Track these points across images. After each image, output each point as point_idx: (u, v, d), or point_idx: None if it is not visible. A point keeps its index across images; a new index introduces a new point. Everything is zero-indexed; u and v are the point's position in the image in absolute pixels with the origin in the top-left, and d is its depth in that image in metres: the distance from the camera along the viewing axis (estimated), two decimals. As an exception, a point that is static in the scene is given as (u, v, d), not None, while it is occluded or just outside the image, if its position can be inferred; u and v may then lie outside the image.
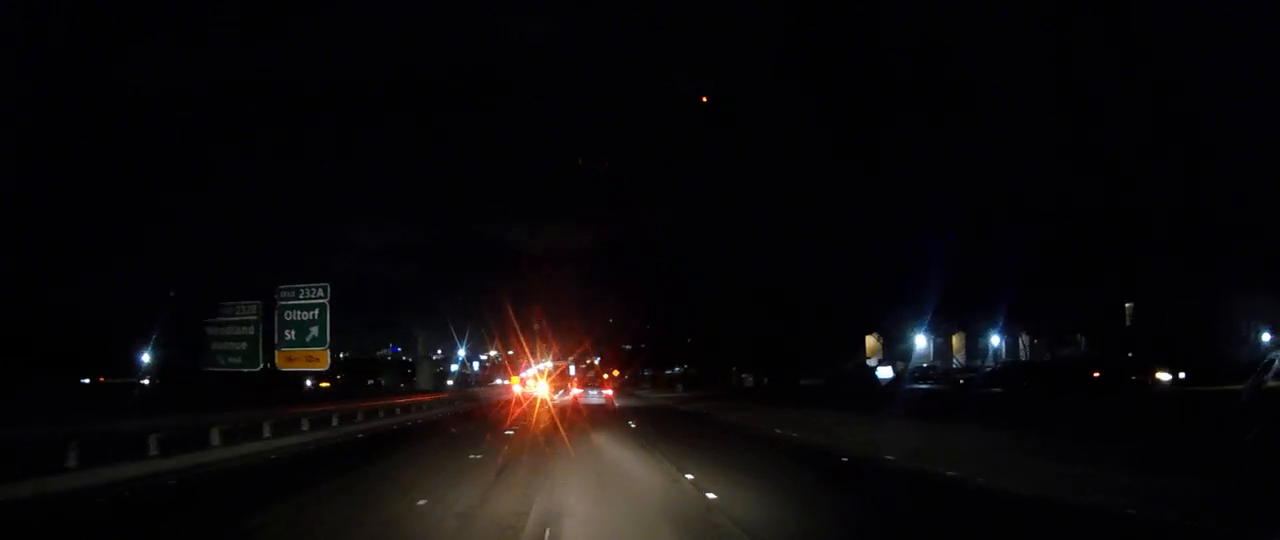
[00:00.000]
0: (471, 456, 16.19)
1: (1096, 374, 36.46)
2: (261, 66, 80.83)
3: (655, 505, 10.51)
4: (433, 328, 76.71)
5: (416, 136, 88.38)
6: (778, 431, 22.97)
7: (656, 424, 26.68)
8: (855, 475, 14.81)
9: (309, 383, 42.99)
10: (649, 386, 68.52)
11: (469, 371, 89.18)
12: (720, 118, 66.29)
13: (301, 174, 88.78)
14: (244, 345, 37.64)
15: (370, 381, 72.20)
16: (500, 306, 70.43)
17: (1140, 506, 9.49)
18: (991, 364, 53.55)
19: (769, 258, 55.22)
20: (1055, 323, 55.43)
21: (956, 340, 57.46)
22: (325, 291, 35.65)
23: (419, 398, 35.43)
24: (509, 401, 38.82)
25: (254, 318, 37.44)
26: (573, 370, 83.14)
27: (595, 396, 41.35)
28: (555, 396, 47.34)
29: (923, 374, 50.26)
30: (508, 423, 26.51)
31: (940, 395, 42.15)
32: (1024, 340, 57.94)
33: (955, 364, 55.28)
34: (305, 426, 20.14)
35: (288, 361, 36.58)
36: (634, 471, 14.45)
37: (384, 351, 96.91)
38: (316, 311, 35.79)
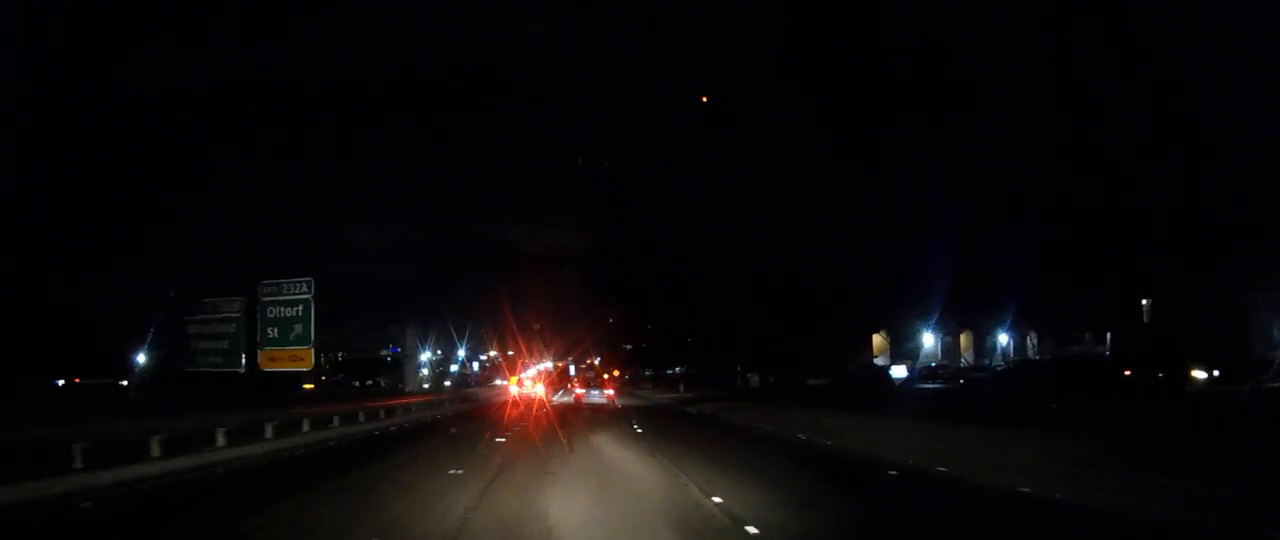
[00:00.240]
0: (452, 472, 13.12)
1: (1128, 373, 33.43)
2: (261, 66, 78.48)
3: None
4: (435, 328, 73.97)
5: (416, 136, 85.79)
6: (800, 436, 19.93)
7: (663, 427, 23.62)
8: (912, 494, 11.77)
9: (309, 384, 39.85)
10: (650, 386, 65.59)
11: (469, 372, 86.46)
12: (720, 118, 63.88)
13: (301, 174, 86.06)
14: (225, 344, 34.50)
15: (368, 382, 69.39)
16: (500, 307, 67.85)
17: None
18: (1001, 363, 51.19)
19: (771, 257, 52.80)
20: (1063, 321, 53.50)
21: (964, 339, 54.74)
22: (309, 287, 32.49)
23: (409, 399, 32.18)
24: (506, 403, 35.64)
25: (236, 315, 34.30)
26: (573, 370, 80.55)
27: (597, 396, 39.89)
28: (555, 397, 44.24)
29: (930, 373, 47.39)
30: (502, 426, 23.39)
31: (952, 395, 39.20)
32: (1032, 338, 55.79)
33: (963, 363, 52.51)
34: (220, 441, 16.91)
35: (270, 361, 33.41)
36: (647, 491, 11.39)
37: (384, 352, 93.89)
38: (300, 308, 32.63)
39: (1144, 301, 46.31)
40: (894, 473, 13.51)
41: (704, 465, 13.96)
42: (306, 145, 78.41)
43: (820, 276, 49.08)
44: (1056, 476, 11.48)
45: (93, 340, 42.31)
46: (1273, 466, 11.76)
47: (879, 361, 51.67)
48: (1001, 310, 51.28)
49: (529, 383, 49.09)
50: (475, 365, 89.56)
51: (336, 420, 21.86)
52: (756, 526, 8.33)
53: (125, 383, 39.60)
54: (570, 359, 77.74)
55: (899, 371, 43.87)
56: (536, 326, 68.46)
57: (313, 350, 32.40)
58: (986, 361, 53.45)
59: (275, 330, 33.03)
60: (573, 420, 26.16)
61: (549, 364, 77.44)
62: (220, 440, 17.03)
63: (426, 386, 60.04)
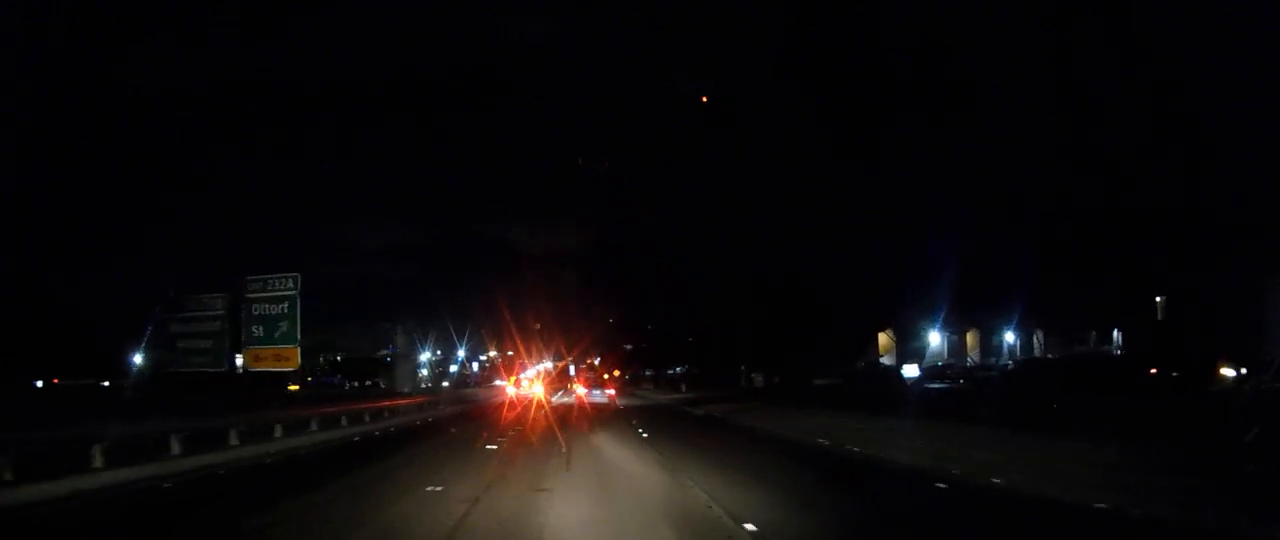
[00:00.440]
0: (430, 488, 10.74)
1: (1153, 371, 31.10)
2: (261, 66, 76.46)
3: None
4: (434, 329, 71.75)
5: (416, 136, 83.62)
6: (822, 441, 17.57)
7: (669, 431, 21.24)
8: (981, 515, 9.39)
9: (294, 385, 37.30)
10: (651, 386, 63.21)
11: (469, 372, 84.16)
12: (720, 118, 61.95)
13: (301, 174, 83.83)
14: (209, 343, 32.15)
15: (367, 383, 67.12)
16: (500, 307, 65.74)
17: None
18: (1008, 362, 49.09)
19: (773, 257, 50.77)
20: (1068, 320, 51.78)
21: (971, 337, 52.51)
22: (295, 283, 30.14)
23: (402, 401, 29.68)
24: (503, 404, 33.16)
25: (220, 312, 31.96)
26: (573, 370, 78.27)
27: (599, 396, 39.06)
28: (554, 397, 41.84)
29: (937, 372, 45.09)
30: (497, 430, 20.97)
31: (964, 395, 36.75)
32: (1038, 337, 54.01)
33: (969, 362, 50.27)
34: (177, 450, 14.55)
35: (255, 360, 31.06)
36: (661, 506, 8.98)
37: (383, 352, 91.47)
38: (286, 305, 30.27)
39: (1157, 299, 44.17)
40: (943, 486, 11.24)
41: (723, 476, 11.64)
42: (306, 145, 76.24)
43: (825, 276, 47.15)
44: (1129, 488, 9.45)
45: (75, 341, 39.89)
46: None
47: (885, 361, 49.38)
48: (1007, 309, 49.56)
49: (527, 383, 46.49)
50: (475, 366, 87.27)
51: (315, 424, 19.48)
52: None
53: (107, 383, 37.08)
54: (570, 359, 75.55)
55: (911, 371, 41.49)
56: (537, 326, 66.26)
57: (298, 349, 30.04)
58: (993, 360, 51.53)
59: (260, 328, 30.68)
60: (572, 422, 23.78)
61: (549, 364, 75.27)
62: (175, 448, 14.72)
63: (426, 386, 57.63)
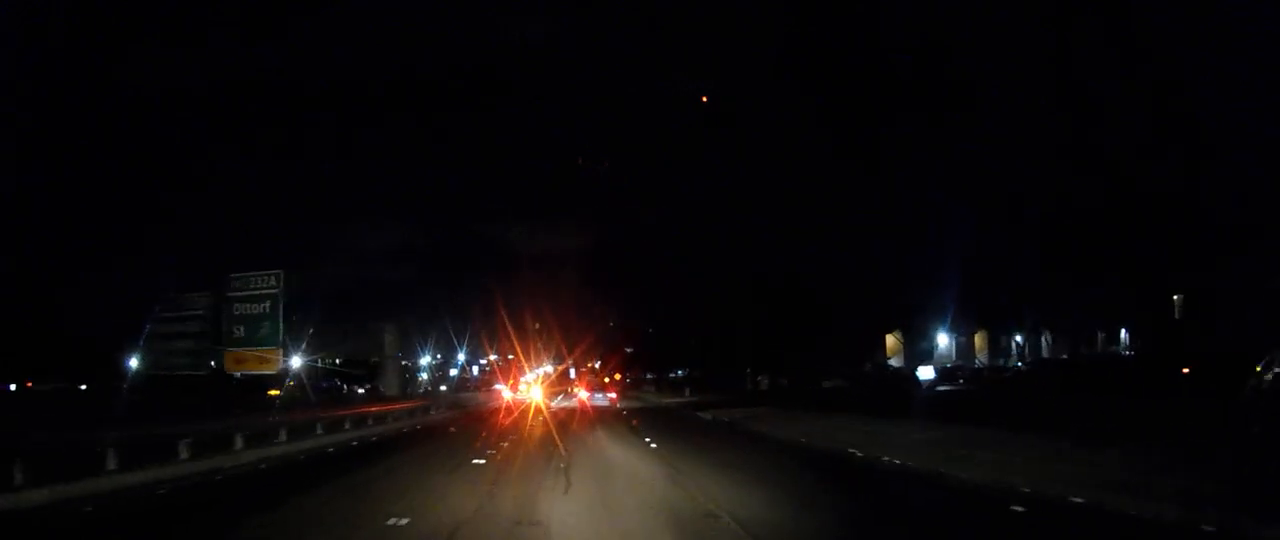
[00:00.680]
0: (392, 521, 8.17)
1: (1186, 370, 28.55)
2: (261, 66, 74.12)
3: None
4: (434, 331, 69.18)
5: (416, 136, 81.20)
6: (856, 452, 15.00)
7: (681, 440, 18.63)
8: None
9: (275, 390, 34.54)
10: (652, 389, 60.53)
11: (468, 375, 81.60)
12: (720, 118, 59.80)
13: (301, 174, 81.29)
14: (190, 344, 29.55)
15: (366, 387, 64.50)
16: (500, 310, 63.40)
17: None
18: (1019, 363, 46.62)
19: (777, 258, 48.31)
20: (1076, 319, 49.65)
21: (979, 339, 49.97)
22: (278, 280, 27.57)
23: (392, 406, 26.96)
24: (499, 409, 30.53)
25: (200, 312, 29.35)
26: (573, 373, 75.65)
27: (600, 399, 38.39)
28: (553, 401, 39.21)
29: (947, 374, 42.61)
30: (492, 439, 18.38)
31: (978, 398, 34.17)
32: (1047, 338, 51.62)
33: (978, 363, 47.76)
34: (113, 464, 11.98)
35: (236, 363, 28.47)
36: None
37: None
38: (268, 304, 27.70)
39: (1175, 297, 41.83)
40: (1021, 509, 8.78)
41: (756, 498, 9.15)
42: (306, 145, 73.78)
43: (829, 277, 44.75)
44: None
45: (56, 344, 37.30)
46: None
47: (893, 362, 46.84)
48: (1015, 310, 47.45)
49: (524, 387, 43.75)
50: (475, 369, 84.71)
51: (284, 434, 16.89)
52: None
53: (84, 387, 34.42)
54: (570, 362, 73.00)
55: (926, 373, 38.91)
56: (537, 327, 63.71)
57: (280, 350, 27.45)
58: (1001, 361, 49.16)
59: (242, 329, 28.09)
60: (573, 429, 21.19)
61: (549, 367, 72.79)
62: (112, 464, 12.19)
63: (424, 390, 54.90)
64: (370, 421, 21.47)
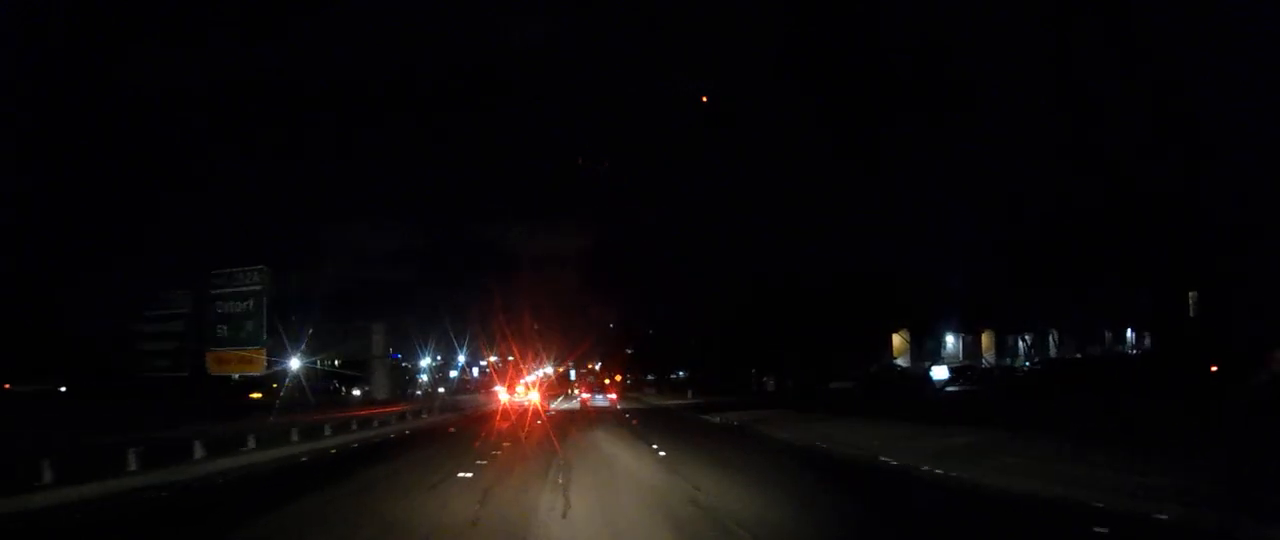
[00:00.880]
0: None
1: (1214, 368, 26.68)
2: (261, 66, 72.20)
3: None
4: (436, 334, 67.23)
5: (416, 137, 79.26)
6: (887, 460, 13.02)
7: (692, 447, 16.59)
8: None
9: (257, 393, 32.29)
10: (654, 391, 58.44)
11: (469, 377, 79.66)
12: (720, 118, 58.13)
13: (302, 174, 79.28)
14: (172, 345, 27.48)
15: (366, 388, 62.47)
16: (501, 312, 61.60)
17: None
18: (1027, 363, 44.80)
19: (780, 257, 46.56)
20: (1085, 318, 48.14)
21: (986, 338, 48.02)
22: (262, 276, 25.51)
23: (383, 409, 24.81)
24: (496, 413, 28.45)
25: (184, 311, 27.29)
26: (573, 375, 73.68)
27: (600, 400, 37.84)
28: (553, 403, 37.14)
29: (956, 374, 40.68)
30: (486, 446, 16.36)
31: (988, 398, 32.13)
32: (1053, 337, 50.05)
33: (985, 362, 45.82)
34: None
35: (219, 364, 26.40)
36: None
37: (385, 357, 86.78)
38: (252, 302, 25.64)
39: (1190, 294, 40.10)
40: (1104, 531, 7.34)
41: (781, 512, 7.20)
42: (306, 145, 71.84)
43: (835, 276, 42.97)
44: None
45: (37, 344, 35.26)
46: None
47: (900, 362, 44.81)
48: (1024, 309, 45.72)
49: (522, 390, 41.48)
50: (475, 371, 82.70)
51: (252, 442, 14.86)
52: None
53: (64, 389, 32.28)
54: (570, 363, 71.07)
55: (940, 372, 36.85)
56: (536, 328, 61.80)
57: (264, 351, 25.40)
58: (1008, 361, 47.37)
59: (225, 328, 26.03)
60: (573, 435, 19.16)
61: (548, 369, 70.91)
62: (47, 477, 10.24)
63: (421, 392, 52.80)
64: (354, 426, 19.40)
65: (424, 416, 25.45)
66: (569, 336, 66.47)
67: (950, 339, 46.52)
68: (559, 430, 20.17)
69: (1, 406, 28.89)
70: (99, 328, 32.82)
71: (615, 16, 72.51)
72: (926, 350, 45.82)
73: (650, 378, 66.51)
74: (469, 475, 11.41)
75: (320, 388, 54.45)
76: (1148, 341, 50.32)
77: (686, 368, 62.22)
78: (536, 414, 26.06)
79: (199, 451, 13.33)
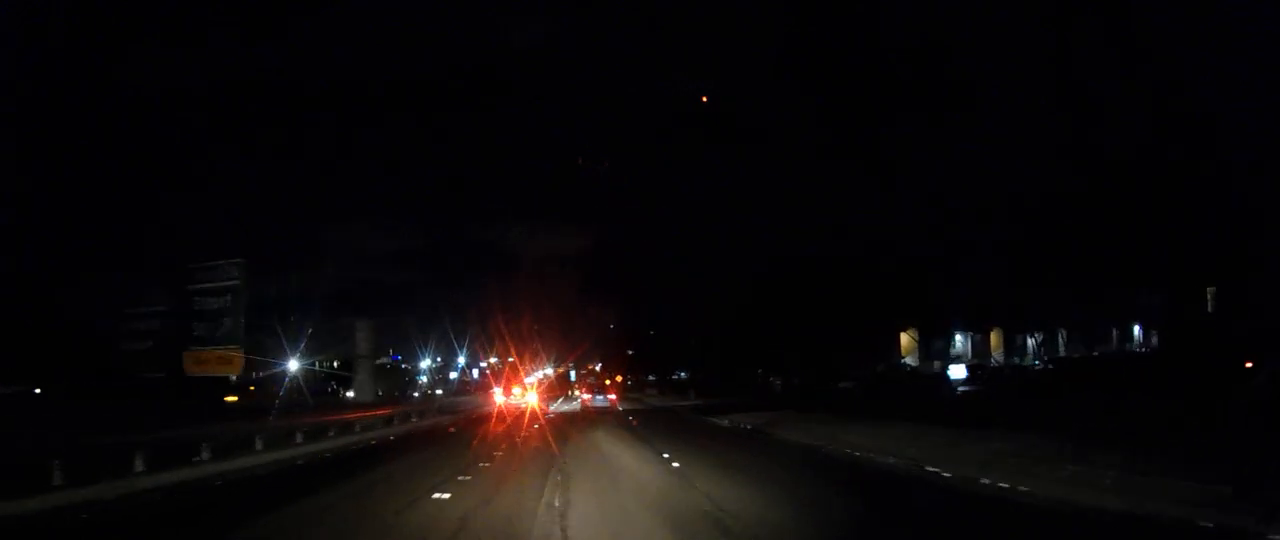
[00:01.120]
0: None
1: (1249, 364, 24.58)
2: (261, 66, 70.10)
3: None
4: (434, 335, 65.11)
5: (416, 137, 77.09)
6: (938, 472, 10.87)
7: (703, 454, 14.42)
8: None
9: (232, 396, 29.76)
10: (655, 392, 56.28)
11: (469, 378, 77.57)
12: (720, 117, 56.37)
13: (301, 174, 77.03)
14: (149, 344, 25.26)
15: (350, 393, 60.34)
16: (500, 312, 59.57)
17: None
18: (1037, 362, 42.77)
19: (782, 257, 44.62)
20: (1095, 317, 46.41)
21: (995, 337, 45.95)
22: (239, 270, 23.33)
23: (365, 413, 22.49)
24: (491, 416, 26.22)
25: (161, 308, 25.09)
26: (573, 376, 71.61)
27: (600, 400, 36.81)
28: (553, 405, 34.94)
29: (973, 373, 38.79)
30: (469, 458, 14.16)
31: (1006, 399, 29.99)
32: (1062, 336, 48.07)
33: (994, 362, 43.78)
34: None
35: (197, 364, 24.16)
36: None
37: (383, 359, 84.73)
38: (229, 297, 23.45)
39: (1208, 290, 38.10)
40: None
41: None
42: (307, 145, 69.71)
43: (842, 275, 41.09)
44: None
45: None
46: None
47: (908, 362, 42.75)
48: (1034, 308, 43.89)
49: (518, 392, 38.93)
50: (475, 372, 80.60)
51: (207, 454, 12.68)
52: None
53: (39, 389, 30.03)
54: (570, 364, 68.98)
55: (957, 372, 34.74)
56: (536, 328, 59.67)
57: (242, 350, 23.19)
58: (1016, 360, 45.38)
59: (203, 326, 23.83)
60: (573, 439, 16.99)
61: (549, 370, 68.86)
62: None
63: (417, 394, 50.55)
64: (331, 432, 17.17)
65: (413, 420, 23.16)
66: (569, 337, 64.46)
67: (959, 338, 44.47)
68: (559, 436, 18.02)
69: None
70: (80, 328, 30.75)
71: (615, 16, 70.68)
72: (935, 349, 43.74)
73: (651, 378, 64.49)
74: (447, 496, 9.20)
75: (317, 389, 52.22)
76: (1155, 340, 48.85)
77: (687, 368, 60.27)
78: (534, 417, 23.88)
79: (140, 464, 11.17)
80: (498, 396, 36.23)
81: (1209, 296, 38.58)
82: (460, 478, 10.81)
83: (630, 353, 68.77)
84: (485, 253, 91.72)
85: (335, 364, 73.85)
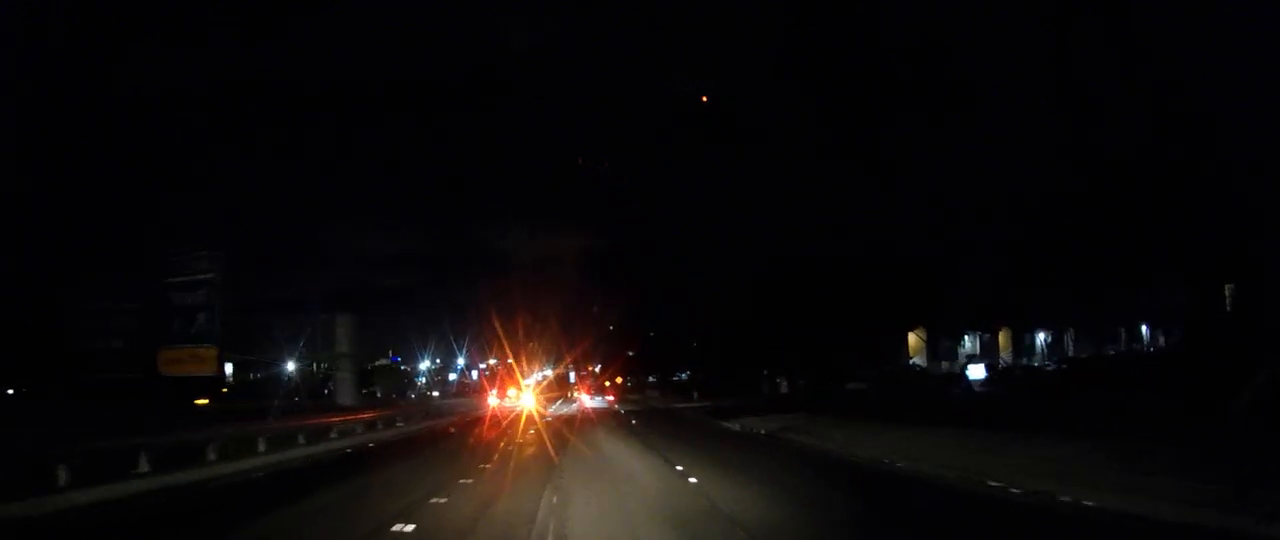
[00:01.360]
0: None
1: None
2: (261, 66, 68.14)
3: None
4: (433, 336, 63.07)
5: (416, 137, 75.19)
6: (996, 484, 8.82)
7: (718, 462, 12.37)
8: None
9: (204, 399, 27.21)
10: (656, 393, 54.23)
11: (468, 380, 75.56)
12: (720, 117, 54.64)
13: (301, 174, 74.98)
14: (122, 343, 23.12)
15: (362, 391, 58.12)
16: (499, 313, 57.52)
17: None
18: (1049, 363, 41.00)
19: (784, 257, 42.83)
20: (1106, 316, 44.91)
21: (1003, 337, 44.09)
22: (216, 262, 21.20)
23: (341, 417, 20.19)
24: (483, 420, 24.07)
25: (134, 305, 22.95)
26: (573, 378, 69.65)
27: (599, 402, 36.58)
28: (551, 409, 32.75)
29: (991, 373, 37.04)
30: (449, 472, 12.06)
31: (1022, 400, 27.94)
32: (1070, 336, 46.57)
33: (1002, 362, 41.96)
34: None
35: (171, 363, 22.01)
36: None
37: (383, 361, 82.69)
38: (204, 291, 21.33)
39: (1227, 287, 36.23)
40: None
41: None
42: (307, 146, 67.83)
43: (848, 274, 39.28)
44: None
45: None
46: None
47: (916, 362, 40.82)
48: (1038, 307, 42.20)
49: (514, 394, 36.29)
50: (474, 374, 78.59)
51: (145, 463, 10.58)
52: None
53: (12, 390, 27.82)
54: (569, 364, 66.93)
55: (976, 372, 32.71)
56: (535, 330, 57.57)
57: (217, 349, 21.06)
58: (1025, 360, 43.67)
59: (178, 322, 21.72)
60: (571, 443, 14.92)
61: (548, 372, 66.82)
62: None
63: (413, 396, 48.41)
64: (301, 440, 15.04)
65: (399, 425, 20.95)
66: (568, 338, 62.51)
67: (967, 338, 42.62)
68: (557, 441, 15.95)
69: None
70: (48, 325, 28.56)
71: (615, 16, 68.92)
72: (943, 349, 41.82)
73: (651, 379, 62.55)
74: (410, 528, 7.08)
75: (315, 391, 49.96)
76: (1162, 340, 47.52)
77: (687, 369, 58.36)
78: (531, 421, 21.77)
79: (63, 478, 9.07)
80: (491, 399, 33.71)
81: (1228, 294, 36.84)
82: (435, 498, 8.68)
83: (630, 354, 66.87)
84: (485, 253, 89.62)
85: (326, 365, 71.50)
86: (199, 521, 8.46)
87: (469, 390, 65.71)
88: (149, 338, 22.69)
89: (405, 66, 71.76)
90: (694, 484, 9.96)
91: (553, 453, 13.70)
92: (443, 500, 8.69)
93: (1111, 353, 44.85)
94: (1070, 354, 44.27)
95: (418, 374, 74.23)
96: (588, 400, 36.68)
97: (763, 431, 18.71)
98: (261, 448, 13.32)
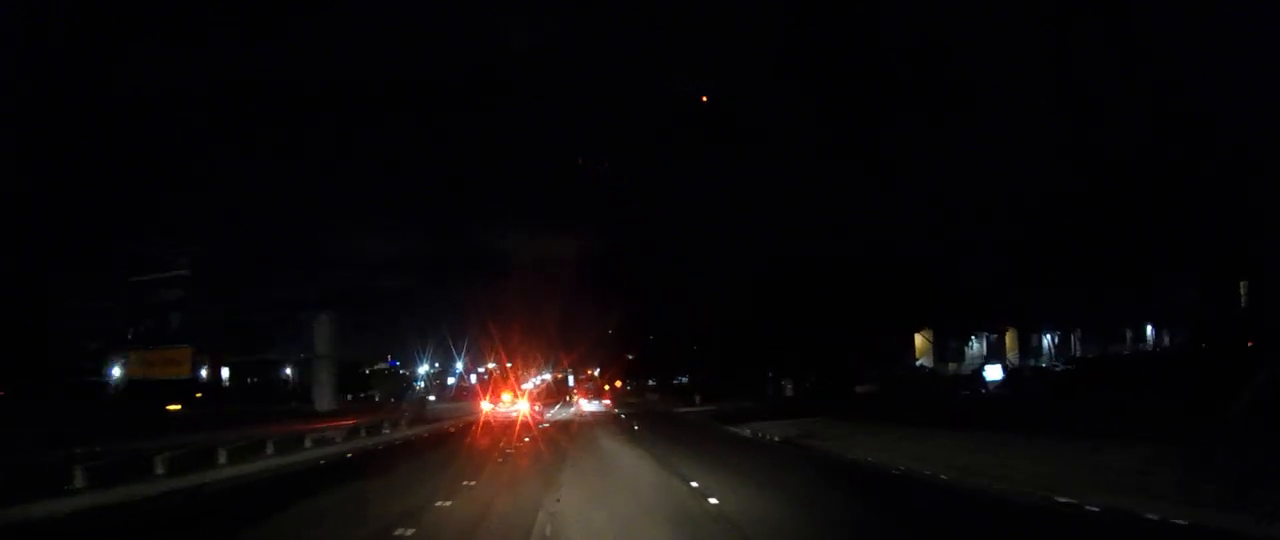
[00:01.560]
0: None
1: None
2: (261, 66, 66.76)
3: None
4: (433, 339, 61.63)
5: (416, 137, 73.89)
6: (1067, 501, 7.21)
7: (746, 480, 10.74)
8: None
9: (176, 405, 25.17)
10: (657, 396, 52.71)
11: (466, 383, 74.09)
12: (720, 117, 53.51)
13: (301, 175, 73.48)
14: (95, 345, 21.41)
15: (361, 394, 56.55)
16: (499, 316, 56.20)
17: None
18: (1058, 364, 39.69)
19: (784, 257, 41.54)
20: (1112, 316, 43.75)
21: (1010, 338, 42.74)
22: (190, 260, 19.53)
23: (318, 423, 18.27)
24: (475, 426, 22.36)
25: (104, 304, 21.24)
26: (571, 381, 68.32)
27: (597, 405, 36.36)
28: (549, 413, 31.02)
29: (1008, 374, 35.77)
30: (432, 488, 10.42)
31: (1038, 401, 26.34)
32: (1076, 336, 45.29)
33: (1010, 363, 40.66)
34: None
35: (143, 366, 20.31)
36: None
37: (382, 365, 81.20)
38: (179, 290, 19.64)
39: (1242, 284, 35.05)
40: None
41: None
42: (306, 146, 66.50)
43: (845, 276, 38.03)
44: None
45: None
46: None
47: (923, 363, 39.44)
48: (1045, 308, 40.96)
49: (508, 399, 34.11)
50: (473, 378, 77.08)
51: (81, 478, 8.89)
52: None
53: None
54: (567, 366, 65.54)
55: (994, 373, 31.18)
56: (534, 333, 56.22)
57: (191, 350, 19.38)
58: (1031, 361, 42.43)
59: (149, 323, 20.04)
60: (571, 454, 13.28)
61: (546, 375, 65.30)
62: None
63: (410, 399, 46.56)
64: (269, 449, 13.36)
65: (386, 431, 19.21)
66: (567, 341, 61.12)
67: (974, 339, 41.28)
68: (555, 452, 14.31)
69: None
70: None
71: (615, 16, 67.79)
72: (950, 351, 40.45)
73: (651, 383, 61.09)
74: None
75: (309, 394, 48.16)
76: (1167, 339, 46.46)
77: (687, 372, 56.93)
78: (526, 426, 20.10)
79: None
80: (484, 405, 31.61)
81: (1242, 291, 35.59)
82: (403, 529, 7.04)
83: (630, 357, 65.51)
84: (484, 254, 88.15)
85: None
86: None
87: (467, 394, 64.28)
88: (124, 339, 21.02)
89: (405, 66, 70.35)
90: (714, 505, 8.32)
91: (549, 459, 12.08)
92: (414, 529, 7.02)
93: (1118, 353, 43.70)
94: (1076, 354, 43.05)
95: (416, 378, 72.78)
96: (586, 405, 35.19)
97: (776, 438, 17.07)
98: (221, 460, 11.64)
